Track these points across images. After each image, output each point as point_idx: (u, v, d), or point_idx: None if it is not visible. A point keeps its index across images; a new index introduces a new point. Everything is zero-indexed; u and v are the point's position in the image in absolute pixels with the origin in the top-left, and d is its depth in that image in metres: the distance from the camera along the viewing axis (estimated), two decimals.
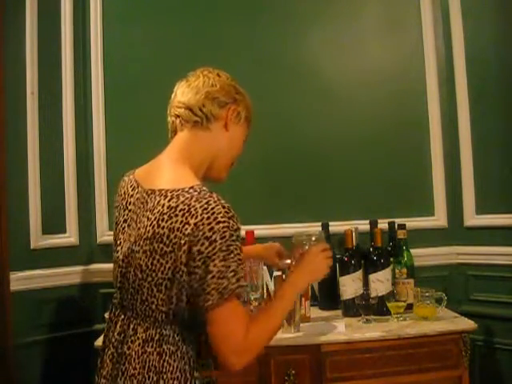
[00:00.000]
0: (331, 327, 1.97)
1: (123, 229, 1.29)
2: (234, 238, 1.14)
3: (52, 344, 2.20)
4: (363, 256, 2.17)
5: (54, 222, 2.26)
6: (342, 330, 1.94)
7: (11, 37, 2.17)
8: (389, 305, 2.01)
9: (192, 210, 1.13)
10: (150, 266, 1.17)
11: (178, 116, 1.34)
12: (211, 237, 1.12)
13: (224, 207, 1.15)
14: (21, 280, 2.13)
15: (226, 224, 1.13)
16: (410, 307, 2.07)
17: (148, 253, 1.17)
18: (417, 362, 1.89)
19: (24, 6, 2.20)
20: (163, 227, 1.15)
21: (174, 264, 1.14)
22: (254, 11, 2.47)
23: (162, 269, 1.15)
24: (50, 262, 2.23)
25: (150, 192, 1.23)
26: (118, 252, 1.29)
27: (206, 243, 1.12)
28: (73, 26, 2.36)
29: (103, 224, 2.37)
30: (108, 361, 1.24)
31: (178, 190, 1.18)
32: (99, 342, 1.90)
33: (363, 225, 2.27)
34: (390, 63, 2.49)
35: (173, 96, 1.38)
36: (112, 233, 2.33)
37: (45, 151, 2.24)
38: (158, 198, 1.19)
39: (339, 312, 2.12)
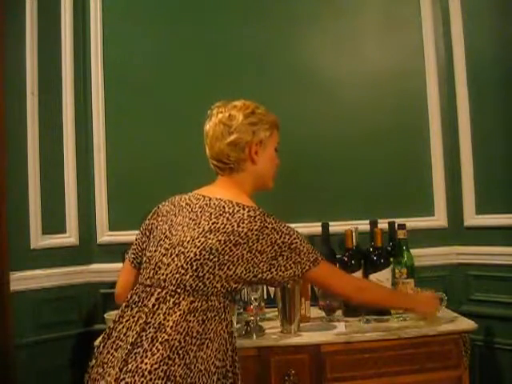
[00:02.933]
0: (331, 327, 1.98)
1: (180, 225, 1.50)
2: (299, 233, 1.54)
3: (52, 344, 2.20)
4: (363, 256, 2.17)
5: (53, 222, 2.26)
6: (341, 329, 1.94)
7: (11, 37, 2.17)
8: None
9: (267, 220, 1.48)
10: (219, 250, 1.42)
11: (214, 165, 1.60)
12: (289, 233, 1.49)
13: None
14: (21, 280, 2.13)
15: (291, 228, 1.53)
16: None
17: (222, 241, 1.43)
18: (417, 362, 1.89)
19: (24, 6, 2.19)
20: (243, 227, 1.44)
21: (243, 251, 1.43)
22: (254, 12, 2.47)
23: (231, 253, 1.42)
24: (50, 262, 2.23)
25: (218, 200, 1.51)
26: (169, 239, 1.49)
27: (288, 236, 1.49)
28: (73, 26, 2.36)
29: (103, 224, 2.37)
30: (138, 329, 1.37)
31: (253, 207, 1.49)
32: (99, 341, 1.90)
33: (363, 225, 2.27)
34: (390, 63, 2.49)
35: (204, 140, 1.62)
36: (112, 233, 2.35)
37: (45, 151, 2.24)
38: (236, 208, 1.48)
39: (339, 312, 2.12)
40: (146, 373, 1.30)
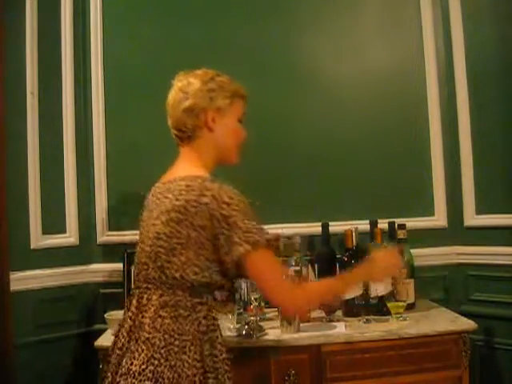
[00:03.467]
0: (331, 327, 1.98)
1: (144, 221, 1.49)
2: (248, 205, 1.37)
3: (52, 344, 2.19)
4: (363, 256, 2.17)
5: (53, 222, 2.26)
6: (342, 329, 1.94)
7: (11, 37, 2.17)
8: (389, 305, 2.01)
9: (208, 186, 1.35)
10: (167, 233, 1.36)
11: (175, 135, 1.53)
12: (230, 202, 1.33)
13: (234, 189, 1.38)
14: (21, 280, 2.13)
15: (239, 195, 1.37)
16: (410, 307, 2.07)
17: (165, 222, 1.36)
18: (417, 362, 1.89)
19: (24, 5, 2.20)
20: (180, 200, 1.35)
21: (188, 229, 1.34)
22: (255, 12, 2.47)
23: (178, 235, 1.35)
24: (50, 262, 2.23)
25: (168, 182, 1.44)
26: (141, 235, 1.49)
27: (227, 207, 1.33)
28: (73, 26, 2.36)
29: (103, 224, 2.37)
30: (125, 333, 1.38)
31: (195, 176, 1.39)
32: (99, 341, 1.91)
33: (363, 225, 2.27)
34: (390, 63, 2.49)
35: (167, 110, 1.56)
36: (112, 233, 2.35)
37: (45, 151, 2.24)
38: (177, 182, 1.40)
39: (339, 312, 2.12)
40: (136, 374, 1.30)
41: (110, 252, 2.32)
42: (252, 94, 2.37)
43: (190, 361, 1.33)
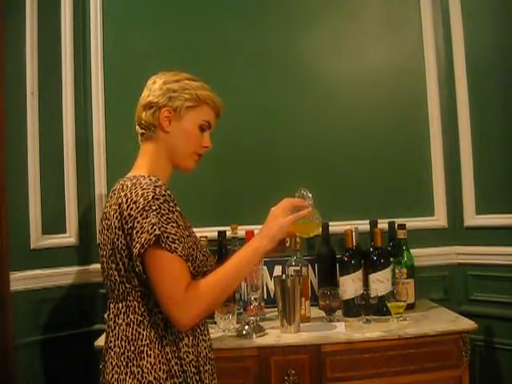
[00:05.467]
0: (331, 327, 1.98)
1: None
2: (158, 199, 1.26)
3: (52, 344, 2.20)
4: (363, 256, 2.17)
5: (53, 222, 2.26)
6: (341, 329, 1.94)
7: (11, 36, 2.16)
8: (389, 305, 2.02)
9: (124, 186, 1.32)
10: (103, 241, 1.35)
11: (139, 133, 1.50)
12: (136, 200, 1.26)
13: (152, 180, 1.30)
14: (21, 280, 2.12)
15: (150, 189, 1.27)
16: (410, 307, 2.07)
17: (101, 231, 1.36)
18: (417, 362, 1.89)
19: (24, 5, 2.19)
20: (108, 207, 1.34)
21: (112, 233, 1.30)
22: (255, 12, 2.47)
23: (109, 241, 1.32)
24: (50, 262, 2.22)
25: (122, 180, 1.39)
26: None
27: (134, 206, 1.26)
28: (73, 26, 2.36)
29: None
30: (104, 343, 1.39)
31: (123, 179, 1.37)
32: (99, 341, 1.90)
33: (363, 225, 2.27)
34: (390, 63, 2.49)
35: None
36: None
37: (45, 151, 2.24)
38: (125, 182, 1.35)
39: (339, 312, 2.12)
40: None
41: None
42: (252, 94, 2.38)
43: (149, 366, 1.29)
